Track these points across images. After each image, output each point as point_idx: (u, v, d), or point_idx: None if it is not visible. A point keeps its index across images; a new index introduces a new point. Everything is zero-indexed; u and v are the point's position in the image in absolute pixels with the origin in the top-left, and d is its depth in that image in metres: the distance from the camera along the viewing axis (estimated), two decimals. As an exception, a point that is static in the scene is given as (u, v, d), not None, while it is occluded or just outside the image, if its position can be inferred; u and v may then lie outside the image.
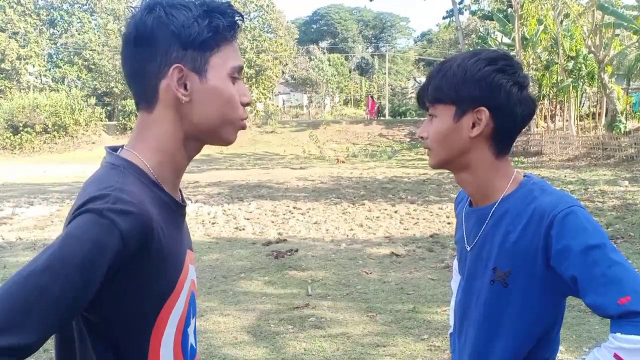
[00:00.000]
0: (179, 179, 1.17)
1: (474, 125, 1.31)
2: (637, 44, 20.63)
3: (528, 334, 1.32)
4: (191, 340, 1.17)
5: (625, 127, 20.77)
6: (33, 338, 0.86)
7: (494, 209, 1.36)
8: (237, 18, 1.11)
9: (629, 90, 24.39)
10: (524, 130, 1.60)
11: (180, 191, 1.20)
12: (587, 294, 1.19)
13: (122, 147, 1.12)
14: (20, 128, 28.96)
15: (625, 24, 20.01)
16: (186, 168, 1.17)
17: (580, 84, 22.78)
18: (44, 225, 9.84)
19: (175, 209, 1.13)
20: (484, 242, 1.38)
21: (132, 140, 1.12)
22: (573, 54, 22.86)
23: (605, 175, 14.87)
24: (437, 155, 1.38)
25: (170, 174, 1.12)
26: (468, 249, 1.42)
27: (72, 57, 37.57)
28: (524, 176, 1.39)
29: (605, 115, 22.92)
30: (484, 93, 1.29)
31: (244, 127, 1.15)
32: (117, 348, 1.03)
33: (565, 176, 15.39)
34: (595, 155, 19.29)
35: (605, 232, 1.25)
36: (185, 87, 1.07)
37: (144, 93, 1.09)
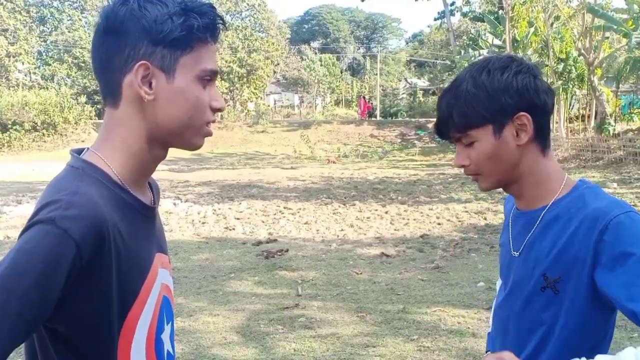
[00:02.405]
0: (145, 180, 1.13)
1: (517, 134, 1.29)
2: (626, 46, 20.77)
3: (578, 345, 1.26)
4: (167, 346, 1.14)
5: (614, 129, 20.88)
6: None
7: (544, 212, 1.31)
8: (217, 21, 1.07)
9: (618, 93, 24.54)
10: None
11: (153, 190, 1.16)
12: (629, 297, 1.13)
13: (87, 149, 1.09)
14: (9, 126, 28.68)
15: (615, 26, 20.14)
16: (154, 169, 1.13)
17: (570, 86, 22.87)
18: (32, 224, 9.77)
19: (142, 210, 1.09)
20: (531, 247, 1.33)
21: (98, 140, 1.09)
22: (563, 56, 22.96)
23: (594, 177, 14.97)
24: (491, 177, 1.34)
25: (136, 175, 1.08)
26: (516, 255, 1.37)
27: (62, 54, 37.28)
28: (578, 180, 1.36)
29: (595, 118, 23.04)
30: (516, 99, 1.27)
31: (209, 134, 1.11)
32: (82, 357, 0.99)
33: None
34: (584, 157, 19.40)
35: None
36: (149, 86, 1.03)
37: (109, 87, 1.06)
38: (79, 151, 1.09)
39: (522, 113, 1.28)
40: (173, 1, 1.04)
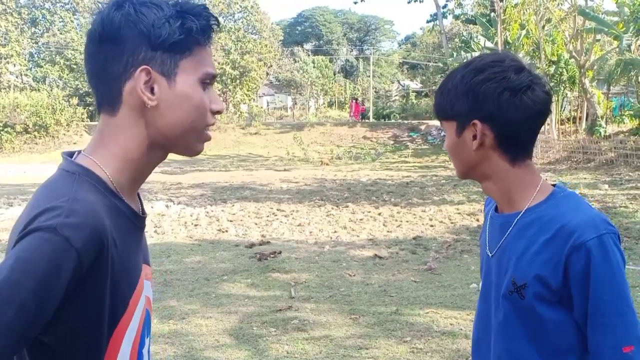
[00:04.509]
0: (138, 188, 1.11)
1: (475, 138, 1.29)
2: (617, 49, 20.90)
3: (548, 348, 1.28)
4: None
5: (605, 131, 21.03)
6: None
7: (518, 218, 1.32)
8: (212, 22, 1.06)
9: (610, 95, 24.70)
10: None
11: (140, 201, 1.13)
12: (593, 329, 1.21)
13: (79, 152, 1.06)
14: (0, 128, 28.54)
15: (606, 29, 20.29)
16: (149, 175, 1.10)
17: (562, 88, 23.02)
18: (23, 226, 9.69)
19: (134, 220, 1.06)
20: (504, 251, 1.34)
21: (92, 145, 1.05)
22: (555, 58, 23.11)
23: (585, 178, 15.05)
24: (456, 168, 1.39)
25: (130, 182, 1.06)
26: (490, 254, 1.40)
27: (53, 56, 37.11)
28: (554, 186, 1.35)
29: (586, 120, 23.20)
30: (473, 106, 1.27)
31: (208, 139, 1.10)
32: None
33: (546, 179, 15.49)
34: (575, 159, 19.51)
35: (625, 267, 1.24)
36: (152, 91, 1.02)
37: (107, 94, 1.03)
38: (70, 154, 1.06)
39: (475, 121, 1.28)
40: (167, 4, 1.02)
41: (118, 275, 0.97)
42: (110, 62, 1.01)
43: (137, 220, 1.07)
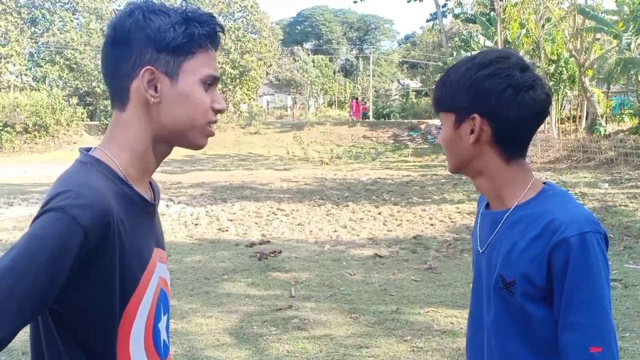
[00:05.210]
0: (148, 177, 1.20)
1: (472, 132, 1.30)
2: (617, 48, 20.89)
3: (543, 349, 1.28)
4: (163, 336, 1.22)
5: (605, 130, 21.01)
6: (4, 333, 0.91)
7: (507, 214, 1.33)
8: (216, 29, 1.16)
9: (609, 94, 24.69)
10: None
11: (154, 190, 1.23)
12: (565, 326, 1.21)
13: (95, 147, 1.16)
14: (0, 128, 28.55)
15: (606, 28, 20.28)
16: (157, 168, 1.20)
17: (562, 87, 23.02)
18: (23, 226, 9.70)
19: (143, 206, 1.16)
20: (493, 248, 1.35)
21: (105, 139, 1.16)
22: (554, 57, 23.10)
23: (585, 177, 15.04)
24: (449, 162, 1.40)
25: (139, 172, 1.16)
26: (480, 251, 1.40)
27: (53, 56, 37.06)
28: (544, 183, 1.35)
29: (586, 119, 23.18)
30: (475, 100, 1.27)
31: (211, 134, 1.18)
32: (84, 341, 1.06)
33: (546, 178, 15.51)
34: (575, 158, 19.51)
35: (607, 269, 1.23)
36: (155, 89, 1.12)
37: (118, 92, 1.14)
38: (88, 149, 1.16)
39: (474, 115, 1.28)
40: (175, 11, 1.13)
41: (127, 254, 1.07)
42: (120, 62, 1.13)
43: (146, 206, 1.17)
